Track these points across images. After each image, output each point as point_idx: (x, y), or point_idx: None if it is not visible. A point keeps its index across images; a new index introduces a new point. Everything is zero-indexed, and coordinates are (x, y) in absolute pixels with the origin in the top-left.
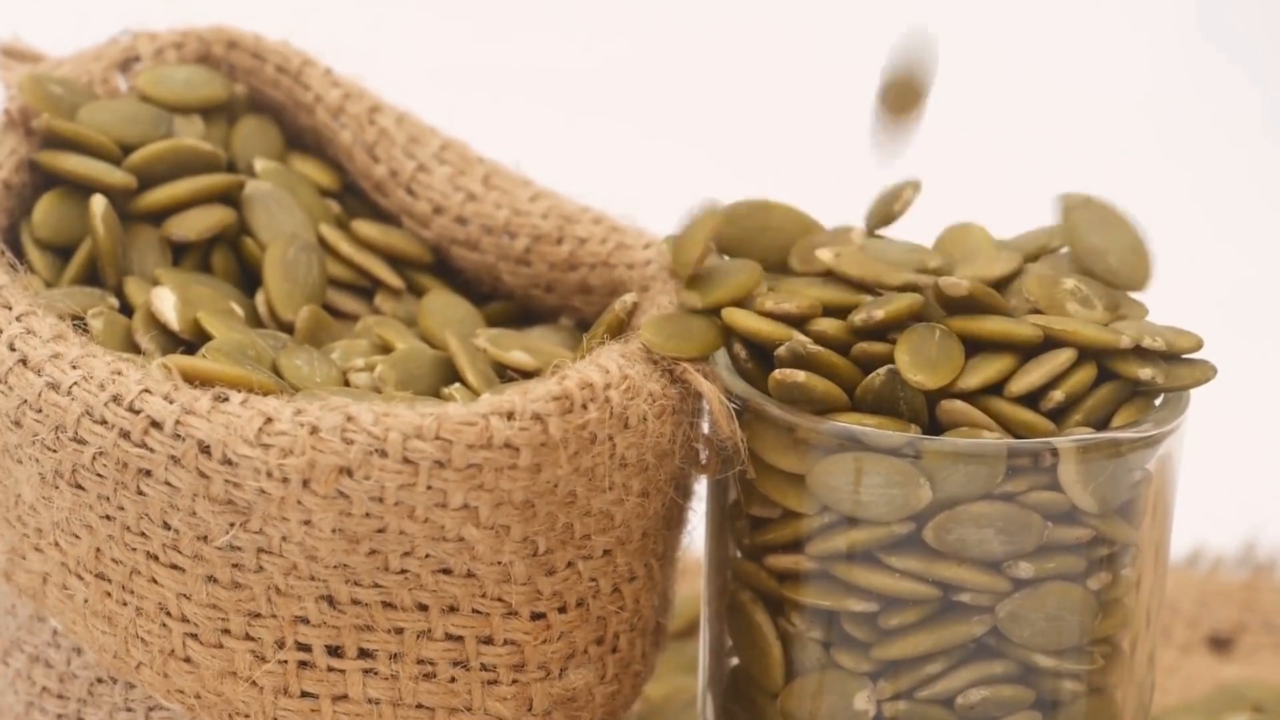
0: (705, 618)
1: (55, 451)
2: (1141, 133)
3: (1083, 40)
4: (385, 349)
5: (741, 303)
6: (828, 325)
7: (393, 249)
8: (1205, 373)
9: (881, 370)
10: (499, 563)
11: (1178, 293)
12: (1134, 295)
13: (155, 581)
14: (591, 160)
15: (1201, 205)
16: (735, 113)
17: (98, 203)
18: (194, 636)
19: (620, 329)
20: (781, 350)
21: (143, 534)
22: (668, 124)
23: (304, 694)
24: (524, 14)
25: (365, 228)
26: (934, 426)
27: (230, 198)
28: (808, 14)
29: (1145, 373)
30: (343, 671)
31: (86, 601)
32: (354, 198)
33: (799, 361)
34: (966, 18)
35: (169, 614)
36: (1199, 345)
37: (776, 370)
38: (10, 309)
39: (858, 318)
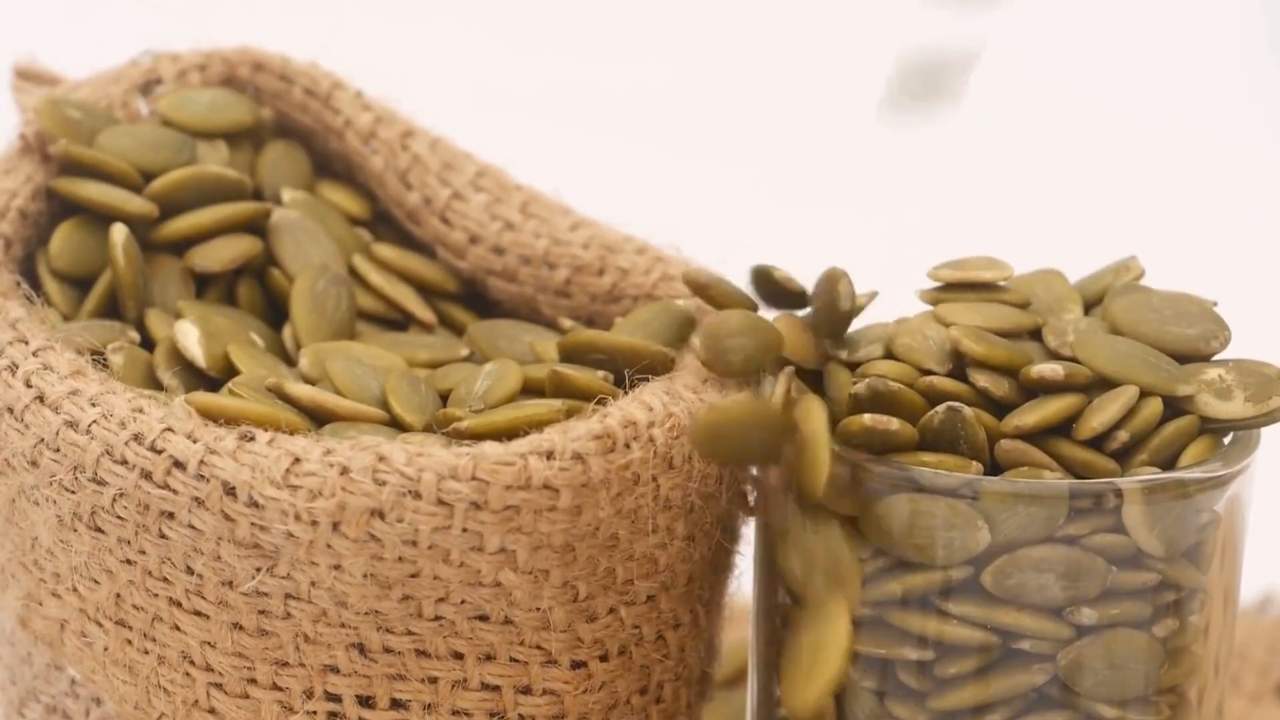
0: (754, 666)
1: (74, 493)
2: (1214, 154)
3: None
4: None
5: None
6: (887, 367)
7: (410, 273)
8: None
9: (941, 407)
10: (537, 609)
11: (1248, 320)
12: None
13: (178, 629)
14: (634, 187)
15: (1272, 231)
16: (781, 142)
17: (118, 232)
18: (219, 686)
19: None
20: (860, 388)
21: (165, 579)
22: (713, 150)
23: None
24: (564, 35)
25: (384, 250)
26: (993, 467)
27: (256, 227)
28: (853, 42)
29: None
30: None
31: (106, 649)
32: (385, 226)
33: (878, 399)
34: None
35: (192, 663)
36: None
37: (866, 415)
38: (27, 343)
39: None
